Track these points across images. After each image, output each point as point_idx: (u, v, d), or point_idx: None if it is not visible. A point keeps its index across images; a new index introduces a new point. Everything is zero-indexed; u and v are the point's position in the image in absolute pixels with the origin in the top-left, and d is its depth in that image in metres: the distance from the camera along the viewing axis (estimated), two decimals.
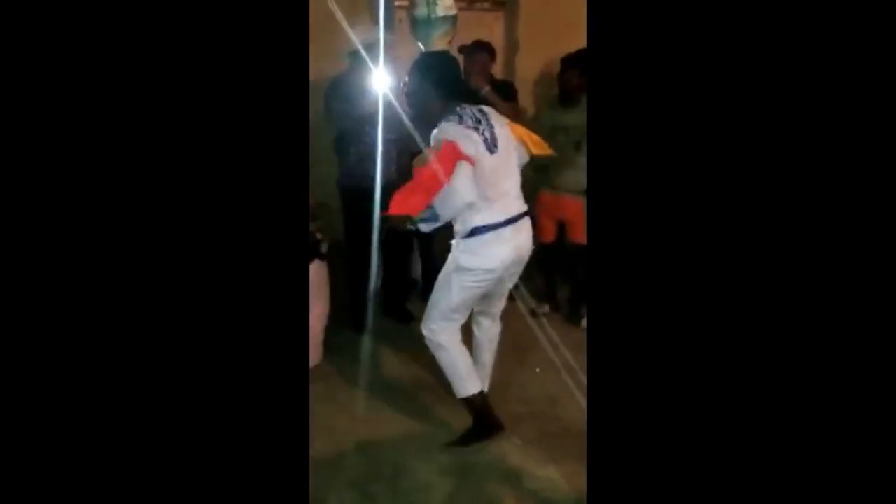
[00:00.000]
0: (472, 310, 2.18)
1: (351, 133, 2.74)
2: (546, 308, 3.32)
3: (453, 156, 1.78)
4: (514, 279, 2.11)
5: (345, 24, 2.77)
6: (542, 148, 2.07)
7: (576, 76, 2.93)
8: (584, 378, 2.53)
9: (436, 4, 2.41)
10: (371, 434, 2.24)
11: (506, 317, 2.29)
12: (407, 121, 2.08)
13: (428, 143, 1.97)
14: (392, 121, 2.79)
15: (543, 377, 2.66)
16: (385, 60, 2.82)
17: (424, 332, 2.10)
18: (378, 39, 2.75)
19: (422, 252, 3.37)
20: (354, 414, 2.36)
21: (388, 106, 2.79)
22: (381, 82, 2.73)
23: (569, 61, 2.96)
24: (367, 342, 3.00)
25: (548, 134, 3.03)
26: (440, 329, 2.07)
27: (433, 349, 2.11)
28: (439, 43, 2.47)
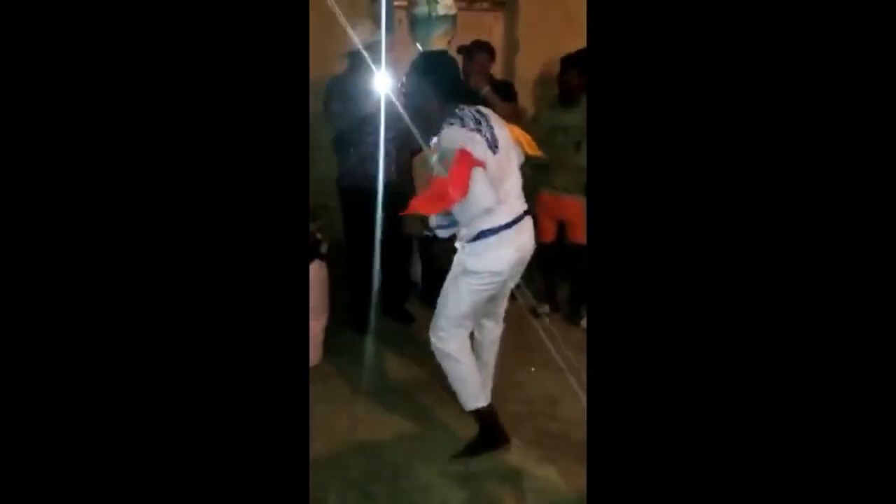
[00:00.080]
0: None
1: (350, 133, 2.74)
2: (546, 308, 3.32)
3: (469, 163, 1.75)
4: (517, 279, 2.10)
5: (345, 24, 2.77)
6: (534, 149, 2.05)
7: (575, 76, 2.93)
8: (584, 378, 2.53)
9: (436, 3, 2.39)
10: (371, 434, 2.24)
11: (506, 317, 2.29)
12: (407, 120, 2.06)
13: (427, 143, 1.96)
14: (391, 120, 2.79)
15: (543, 377, 2.66)
16: (385, 61, 2.82)
17: (433, 339, 2.04)
18: (377, 40, 2.75)
19: (421, 253, 3.37)
20: (354, 414, 2.36)
21: (387, 105, 2.80)
22: (382, 82, 2.73)
23: (569, 61, 2.96)
24: (367, 342, 3.00)
25: (548, 134, 3.04)
26: (449, 337, 2.02)
27: (440, 358, 2.05)
28: (439, 42, 2.45)
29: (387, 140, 2.82)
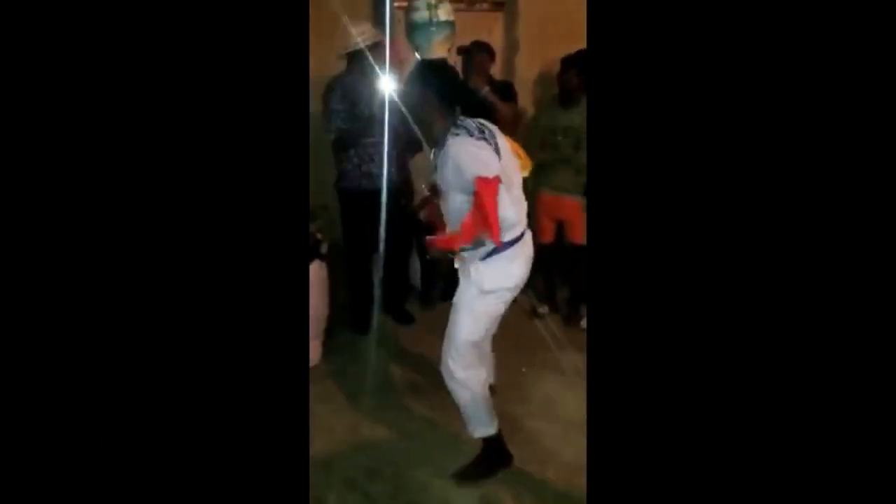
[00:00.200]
0: None
1: (350, 134, 2.74)
2: (545, 308, 3.33)
3: (495, 191, 1.69)
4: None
5: (346, 24, 2.77)
6: (527, 167, 2.00)
7: (575, 76, 2.93)
8: (583, 378, 2.53)
9: (437, 8, 2.36)
10: (371, 434, 2.24)
11: (505, 317, 2.30)
12: (407, 121, 2.04)
13: (427, 152, 1.94)
14: (389, 121, 2.79)
15: (543, 377, 2.66)
16: (384, 62, 2.82)
17: (444, 368, 1.93)
18: (378, 40, 2.75)
19: (420, 254, 3.38)
20: (354, 414, 2.36)
21: (384, 107, 2.80)
22: (383, 83, 2.73)
23: (568, 61, 2.96)
24: (367, 342, 3.00)
25: (547, 134, 3.04)
26: (464, 365, 1.90)
27: (452, 386, 1.94)
28: (439, 49, 2.41)
29: (385, 141, 2.82)
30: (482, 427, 1.99)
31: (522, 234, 1.89)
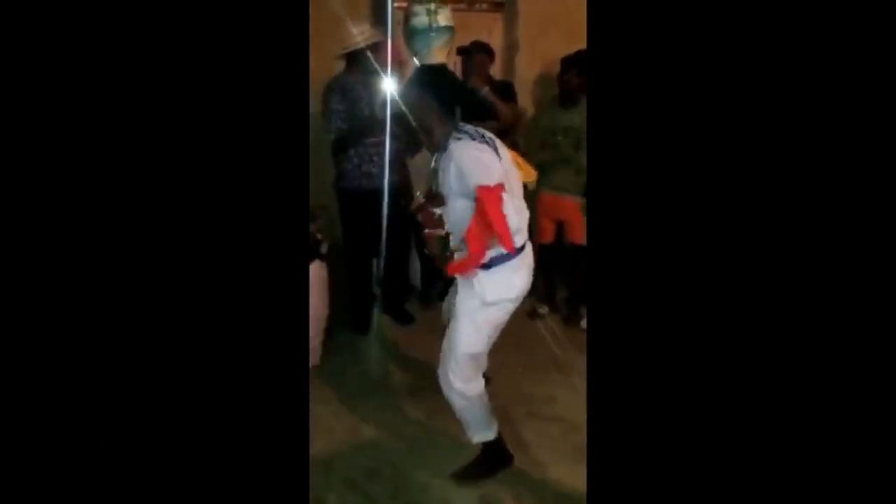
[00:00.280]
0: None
1: (349, 134, 2.74)
2: (545, 309, 3.33)
3: (498, 197, 1.66)
4: None
5: (347, 24, 2.77)
6: (530, 175, 1.99)
7: (575, 76, 2.94)
8: (583, 378, 2.53)
9: (437, 13, 2.35)
10: (371, 434, 2.24)
11: None
12: (411, 123, 2.03)
13: (430, 157, 1.93)
14: (389, 122, 2.80)
15: (543, 377, 2.66)
16: (383, 62, 2.82)
17: (443, 379, 1.91)
18: (377, 40, 2.75)
19: (420, 254, 3.38)
20: (354, 414, 2.36)
21: (385, 107, 2.80)
22: (383, 84, 2.73)
23: (569, 62, 2.97)
24: (367, 342, 3.00)
25: (547, 134, 3.05)
26: (464, 378, 1.88)
27: (450, 395, 1.92)
28: (439, 54, 2.41)
29: (384, 142, 2.82)
30: (481, 433, 1.99)
31: (524, 245, 1.86)
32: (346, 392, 2.53)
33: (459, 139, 1.77)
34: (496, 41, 3.94)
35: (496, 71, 3.77)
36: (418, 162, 3.07)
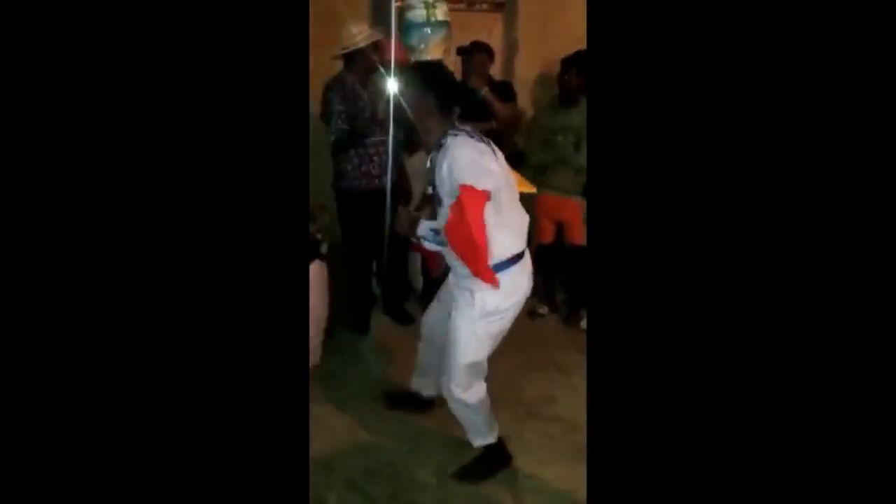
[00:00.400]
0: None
1: (350, 135, 2.74)
2: (545, 309, 3.33)
3: (481, 203, 1.62)
4: None
5: (347, 23, 2.77)
6: (527, 186, 1.96)
7: (575, 77, 2.94)
8: (583, 378, 2.53)
9: (435, 8, 2.32)
10: (371, 434, 2.24)
11: None
12: (408, 121, 2.01)
13: (425, 156, 1.92)
14: (386, 122, 2.80)
15: (543, 377, 2.66)
16: (382, 61, 2.82)
17: (445, 390, 1.91)
18: (375, 40, 2.75)
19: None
20: (354, 414, 2.36)
21: (385, 107, 2.80)
22: (383, 83, 2.73)
23: (569, 62, 2.97)
24: (366, 342, 3.00)
25: (547, 134, 3.04)
26: (465, 386, 1.87)
27: (452, 405, 1.93)
28: (436, 50, 2.39)
29: (382, 141, 2.82)
30: (482, 437, 2.00)
31: (523, 252, 1.84)
32: (346, 392, 2.53)
33: (457, 136, 1.74)
34: (496, 41, 3.94)
35: (496, 71, 3.76)
36: (416, 162, 3.07)
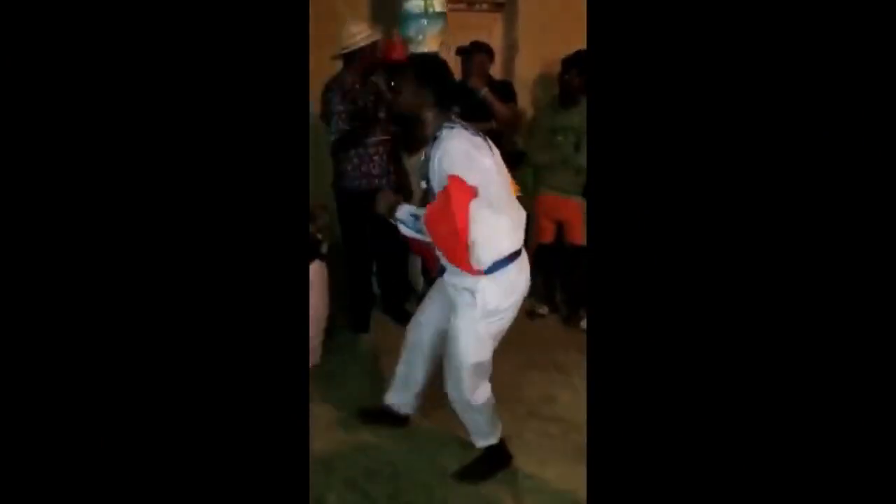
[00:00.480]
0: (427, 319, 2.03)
1: (351, 135, 2.74)
2: (545, 309, 3.33)
3: (468, 196, 1.58)
4: None
5: (345, 23, 2.77)
6: (514, 188, 1.88)
7: (576, 77, 2.94)
8: (583, 378, 2.53)
9: None
10: (371, 434, 2.24)
11: None
12: (402, 109, 1.95)
13: (419, 150, 1.90)
14: (386, 121, 2.80)
15: (543, 377, 2.66)
16: (381, 61, 2.82)
17: (449, 395, 1.90)
18: (374, 39, 2.75)
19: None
20: (354, 414, 2.36)
21: (384, 106, 2.80)
22: (383, 83, 2.73)
23: (570, 62, 2.97)
24: (367, 342, 3.00)
25: (547, 134, 3.04)
26: (473, 387, 1.85)
27: (461, 409, 1.92)
28: (433, 42, 2.36)
29: (382, 141, 2.82)
30: (485, 438, 1.99)
31: (520, 250, 1.81)
32: (346, 392, 2.53)
33: (453, 128, 1.72)
34: (496, 41, 3.94)
35: (496, 71, 3.76)
36: (416, 161, 3.07)
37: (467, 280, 1.74)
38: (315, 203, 2.55)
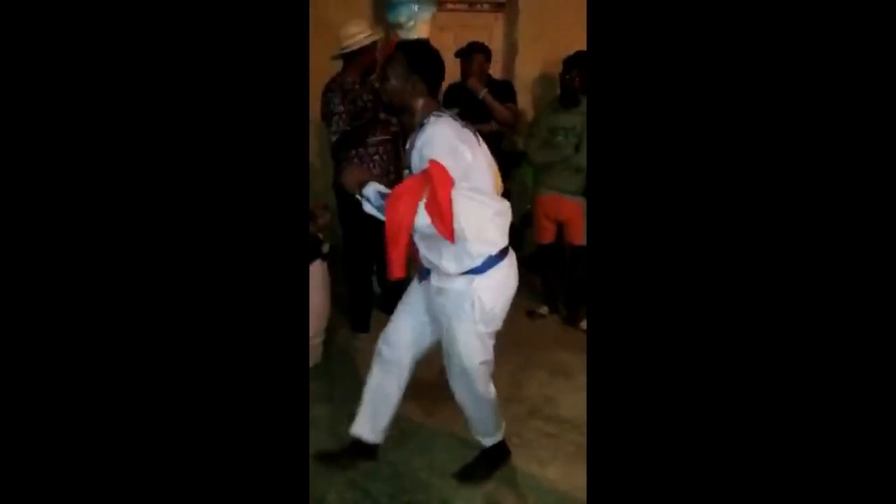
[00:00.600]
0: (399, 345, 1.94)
1: (352, 135, 2.74)
2: (545, 309, 3.33)
3: (448, 181, 1.52)
4: None
5: (346, 24, 2.77)
6: (499, 186, 1.82)
7: (577, 77, 2.94)
8: (583, 378, 2.53)
9: None
10: None
11: (505, 318, 2.29)
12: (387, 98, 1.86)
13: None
14: (385, 120, 2.79)
15: (543, 377, 2.66)
16: (381, 60, 2.82)
17: (457, 397, 1.90)
18: (373, 39, 2.75)
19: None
20: (354, 414, 2.35)
21: (384, 107, 2.80)
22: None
23: (571, 62, 2.97)
24: (367, 342, 3.00)
25: (548, 134, 3.05)
26: (479, 388, 1.84)
27: (474, 409, 1.92)
28: (423, 29, 2.31)
29: (383, 141, 2.82)
30: (491, 436, 1.99)
31: (507, 248, 1.76)
32: (346, 392, 2.53)
33: (441, 117, 1.67)
34: (497, 41, 3.95)
35: (497, 71, 3.77)
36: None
37: (459, 282, 1.69)
38: (315, 203, 2.55)
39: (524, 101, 3.71)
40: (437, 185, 1.51)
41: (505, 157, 3.36)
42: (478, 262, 1.67)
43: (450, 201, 1.52)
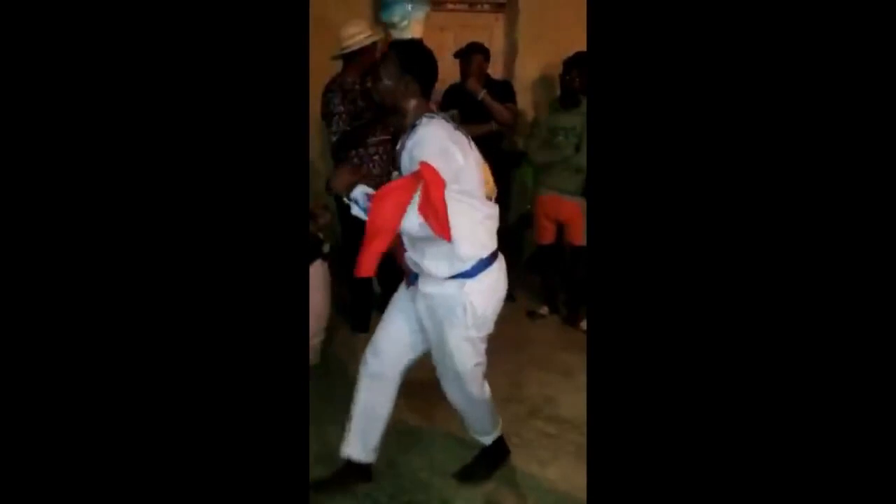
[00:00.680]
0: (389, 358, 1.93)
1: (352, 136, 2.74)
2: (545, 309, 3.33)
3: (440, 183, 1.49)
4: None
5: (346, 24, 2.77)
6: (491, 191, 1.79)
7: (577, 77, 2.94)
8: (583, 378, 2.53)
9: None
10: None
11: (506, 318, 2.29)
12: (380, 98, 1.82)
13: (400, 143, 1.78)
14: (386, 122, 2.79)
15: (543, 377, 2.66)
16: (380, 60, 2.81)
17: (459, 402, 1.90)
18: (373, 39, 2.75)
19: None
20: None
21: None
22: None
23: (571, 62, 2.97)
24: (366, 342, 3.00)
25: (548, 135, 3.05)
26: (474, 390, 1.84)
27: (469, 410, 1.93)
28: (416, 29, 2.29)
29: (383, 141, 2.82)
30: (489, 434, 1.99)
31: (496, 251, 1.74)
32: (347, 392, 2.53)
33: (433, 118, 1.64)
34: (496, 41, 3.95)
35: (497, 71, 3.76)
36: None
37: (449, 286, 1.67)
38: (316, 203, 2.54)
39: (524, 101, 3.71)
40: (430, 185, 1.49)
41: (505, 157, 3.36)
42: (468, 266, 1.64)
43: (444, 201, 1.50)
